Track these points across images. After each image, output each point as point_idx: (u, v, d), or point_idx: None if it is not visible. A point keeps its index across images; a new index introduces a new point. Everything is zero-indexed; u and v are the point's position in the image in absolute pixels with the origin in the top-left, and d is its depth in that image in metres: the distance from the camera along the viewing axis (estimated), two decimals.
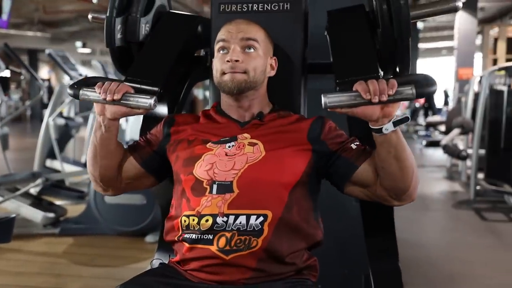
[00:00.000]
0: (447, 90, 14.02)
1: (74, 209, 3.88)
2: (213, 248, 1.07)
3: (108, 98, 1.10)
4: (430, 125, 9.61)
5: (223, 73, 1.20)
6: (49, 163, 4.81)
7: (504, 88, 5.01)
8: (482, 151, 4.93)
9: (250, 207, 1.08)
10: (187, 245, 1.11)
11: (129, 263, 2.99)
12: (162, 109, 1.41)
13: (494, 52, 8.73)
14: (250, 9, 1.41)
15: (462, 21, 9.10)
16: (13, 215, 2.06)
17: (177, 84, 1.48)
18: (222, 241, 1.07)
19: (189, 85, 1.54)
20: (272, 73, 1.29)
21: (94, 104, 1.15)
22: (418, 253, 3.21)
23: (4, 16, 6.55)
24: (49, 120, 4.66)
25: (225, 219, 1.07)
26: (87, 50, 15.68)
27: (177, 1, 9.31)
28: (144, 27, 1.36)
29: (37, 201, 3.75)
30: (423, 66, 19.03)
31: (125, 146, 1.27)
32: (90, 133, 5.42)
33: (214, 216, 1.08)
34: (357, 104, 1.00)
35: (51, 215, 3.60)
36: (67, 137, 5.14)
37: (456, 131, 5.33)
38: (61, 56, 5.06)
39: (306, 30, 1.42)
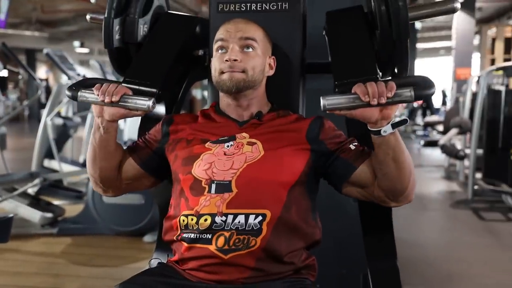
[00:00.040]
0: (445, 90, 14.05)
1: (72, 209, 3.87)
2: (212, 247, 1.07)
3: (107, 100, 1.10)
4: (428, 125, 9.63)
5: (222, 72, 1.20)
6: (47, 163, 4.80)
7: (502, 88, 5.02)
8: (480, 151, 4.94)
9: (248, 207, 1.08)
10: (185, 244, 1.11)
11: (127, 263, 2.99)
12: (160, 109, 1.41)
13: (492, 52, 8.75)
14: (248, 9, 1.41)
15: (460, 21, 9.12)
16: (11, 215, 2.05)
17: (175, 84, 1.48)
18: (221, 241, 1.07)
19: (188, 85, 1.54)
20: (271, 72, 1.29)
21: (93, 105, 1.15)
22: (416, 253, 3.22)
23: (2, 16, 6.55)
24: (47, 120, 4.65)
25: (223, 218, 1.07)
26: (85, 50, 15.66)
27: (175, 1, 9.31)
28: (142, 28, 1.36)
29: (35, 201, 3.74)
30: (421, 66, 19.06)
31: (123, 146, 1.27)
32: (88, 133, 5.42)
33: (212, 215, 1.08)
34: (356, 107, 1.00)
35: (49, 215, 3.60)
36: (65, 137, 5.13)
37: (454, 131, 5.34)
38: (59, 56, 5.06)
39: (305, 29, 1.42)
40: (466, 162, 5.57)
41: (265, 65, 1.26)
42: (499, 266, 3.07)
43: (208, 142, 1.19)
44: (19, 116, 15.23)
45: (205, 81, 1.49)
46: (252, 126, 1.22)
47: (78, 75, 5.08)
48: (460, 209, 4.52)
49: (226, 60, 1.19)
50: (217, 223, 1.07)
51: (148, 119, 1.36)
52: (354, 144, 1.17)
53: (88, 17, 1.44)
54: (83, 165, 5.06)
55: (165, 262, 1.21)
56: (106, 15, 1.29)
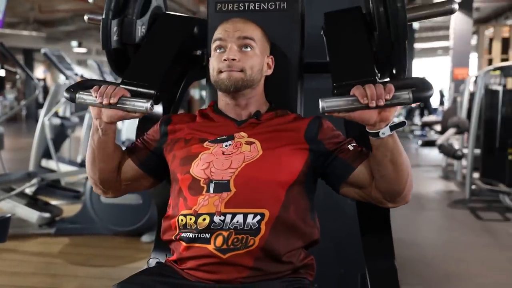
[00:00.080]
0: (442, 90, 14.08)
1: (69, 209, 3.87)
2: (210, 247, 1.07)
3: (105, 102, 1.10)
4: (425, 125, 9.65)
5: (220, 72, 1.20)
6: (44, 163, 4.80)
7: (499, 88, 5.03)
8: (478, 151, 4.95)
9: (247, 206, 1.08)
10: (184, 244, 1.11)
11: (125, 263, 2.98)
12: (158, 109, 1.41)
13: (489, 52, 8.76)
14: (246, 8, 1.41)
15: (458, 21, 9.15)
16: (9, 215, 2.04)
17: (173, 84, 1.48)
18: (219, 240, 1.07)
19: (186, 85, 1.54)
20: (269, 72, 1.29)
21: (91, 107, 1.15)
22: (413, 253, 3.23)
23: None
24: (45, 119, 4.65)
25: (222, 218, 1.07)
26: (83, 50, 15.64)
27: (173, 1, 9.30)
28: (140, 29, 1.36)
29: (32, 201, 3.74)
30: (418, 66, 19.10)
31: (118, 144, 1.27)
32: (85, 132, 5.41)
33: (211, 215, 1.08)
34: (354, 109, 1.00)
35: (47, 215, 3.59)
36: (62, 136, 5.13)
37: (451, 130, 5.35)
38: (57, 56, 5.05)
39: (303, 29, 1.42)
40: (464, 162, 5.57)
41: (263, 64, 1.26)
42: (497, 265, 3.07)
43: (207, 142, 1.19)
44: (17, 116, 15.20)
45: (203, 81, 1.49)
46: (251, 125, 1.22)
47: (76, 75, 5.08)
48: (457, 209, 4.53)
49: (225, 60, 1.19)
50: (215, 222, 1.07)
51: (146, 119, 1.36)
52: (352, 144, 1.17)
53: (86, 17, 1.44)
54: (81, 165, 5.06)
55: (163, 261, 1.21)
56: (104, 16, 1.29)
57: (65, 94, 1.17)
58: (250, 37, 1.22)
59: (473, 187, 4.72)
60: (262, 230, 1.07)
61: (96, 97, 1.11)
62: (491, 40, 8.75)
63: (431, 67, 20.30)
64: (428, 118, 10.32)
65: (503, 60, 8.19)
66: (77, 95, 1.14)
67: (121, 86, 1.18)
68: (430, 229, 4.06)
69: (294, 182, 1.14)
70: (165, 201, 1.26)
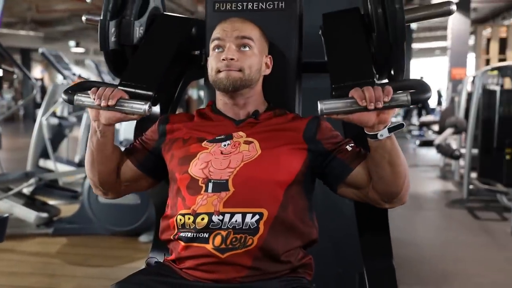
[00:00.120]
0: (440, 90, 14.10)
1: (67, 209, 3.86)
2: (209, 246, 1.07)
3: (103, 104, 1.10)
4: (423, 125, 9.66)
5: (219, 71, 1.20)
6: (42, 162, 4.79)
7: (497, 88, 5.04)
8: (475, 151, 4.96)
9: (245, 206, 1.08)
10: (182, 243, 1.11)
11: (123, 263, 2.98)
12: (156, 109, 1.41)
13: (487, 52, 8.77)
14: (244, 8, 1.41)
15: (455, 21, 9.16)
16: (6, 215, 2.04)
17: (171, 84, 1.48)
18: (218, 240, 1.07)
19: (184, 85, 1.54)
20: (267, 71, 1.30)
21: (89, 109, 1.15)
22: (411, 252, 3.23)
23: None
24: (42, 119, 4.64)
25: (220, 217, 1.07)
26: (80, 50, 15.61)
27: (171, 1, 9.28)
28: (138, 30, 1.36)
29: (30, 201, 3.73)
30: (416, 66, 19.12)
31: (117, 145, 1.27)
32: (83, 132, 5.40)
33: (209, 214, 1.08)
34: (353, 111, 1.01)
35: (45, 215, 3.58)
36: (60, 136, 5.12)
37: (449, 130, 5.36)
38: (55, 55, 5.04)
39: (301, 29, 1.42)
40: (461, 162, 5.59)
41: (261, 64, 1.26)
42: (495, 265, 3.08)
43: (205, 141, 1.19)
44: (14, 116, 15.17)
45: (201, 81, 1.48)
46: (249, 125, 1.22)
47: (74, 74, 5.07)
48: (455, 209, 4.54)
49: (223, 59, 1.19)
50: (214, 222, 1.07)
51: (144, 119, 1.35)
52: (350, 145, 1.18)
53: (84, 18, 1.44)
54: (79, 165, 5.05)
55: (161, 261, 1.21)
56: (101, 17, 1.29)
57: (63, 96, 1.17)
58: (249, 36, 1.22)
59: (471, 187, 4.73)
60: (260, 229, 1.07)
61: (94, 99, 1.11)
62: (488, 40, 8.77)
63: (429, 67, 20.34)
64: (426, 118, 10.33)
65: (500, 60, 8.21)
66: (75, 97, 1.14)
67: (119, 87, 1.18)
68: (428, 228, 4.07)
69: (293, 181, 1.14)
70: (163, 200, 1.26)
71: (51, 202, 4.04)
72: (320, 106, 1.01)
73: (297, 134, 1.19)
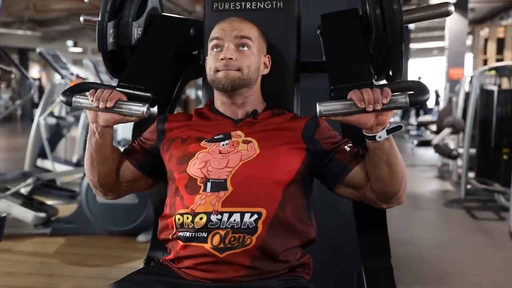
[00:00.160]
0: (438, 90, 14.12)
1: (65, 209, 3.86)
2: (207, 246, 1.07)
3: (101, 106, 1.10)
4: (421, 125, 9.67)
5: (217, 71, 1.20)
6: (40, 162, 4.78)
7: (494, 88, 5.06)
8: (473, 151, 4.97)
9: (244, 205, 1.09)
10: (181, 243, 1.11)
11: (121, 263, 2.98)
12: (154, 109, 1.40)
13: (485, 52, 8.79)
14: (243, 7, 1.41)
15: (453, 21, 9.17)
16: (4, 215, 2.03)
17: (169, 84, 1.48)
18: (216, 239, 1.07)
19: (182, 84, 1.54)
20: (266, 71, 1.30)
21: (87, 111, 1.15)
22: (409, 252, 3.23)
23: None
24: (40, 119, 4.63)
25: (219, 217, 1.07)
26: (78, 49, 15.58)
27: (169, 1, 9.28)
28: (136, 31, 1.36)
29: (28, 201, 3.72)
30: (414, 66, 19.14)
31: (115, 145, 1.27)
32: (81, 132, 5.39)
33: (208, 214, 1.08)
34: (351, 113, 1.01)
35: (42, 215, 3.58)
36: (58, 136, 5.11)
37: (447, 130, 5.37)
38: (52, 55, 5.03)
39: (299, 28, 1.42)
40: (459, 162, 5.60)
41: (260, 63, 1.26)
42: (493, 264, 3.08)
43: (203, 141, 1.19)
44: (12, 115, 15.12)
45: (199, 81, 1.48)
46: (247, 124, 1.22)
47: (72, 74, 5.06)
48: (453, 208, 4.55)
49: (222, 59, 1.19)
50: (212, 221, 1.07)
51: (143, 120, 1.36)
52: (348, 145, 1.18)
53: (82, 19, 1.43)
54: (77, 164, 5.04)
55: (160, 261, 1.21)
56: (100, 18, 1.29)
57: (61, 98, 1.17)
58: (247, 36, 1.22)
59: (469, 186, 4.74)
60: (259, 229, 1.07)
61: (92, 101, 1.11)
62: (486, 40, 8.78)
63: (426, 68, 20.35)
64: (424, 118, 10.35)
65: (498, 60, 8.22)
66: (73, 99, 1.14)
67: (117, 89, 1.18)
68: (426, 228, 4.08)
69: (291, 181, 1.14)
70: (162, 200, 1.26)
71: (49, 202, 4.03)
72: (319, 108, 1.01)
73: (295, 134, 1.19)
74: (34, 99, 11.05)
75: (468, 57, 10.00)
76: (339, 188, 1.18)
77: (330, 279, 2.07)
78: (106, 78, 5.51)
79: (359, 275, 1.33)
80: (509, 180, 3.81)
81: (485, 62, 8.52)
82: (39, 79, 17.19)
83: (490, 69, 5.19)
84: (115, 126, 1.19)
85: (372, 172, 1.10)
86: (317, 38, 1.34)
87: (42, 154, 4.74)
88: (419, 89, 1.03)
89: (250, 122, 1.23)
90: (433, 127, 7.95)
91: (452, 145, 5.91)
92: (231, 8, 1.41)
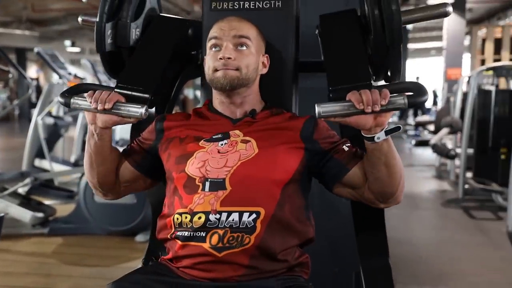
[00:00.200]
0: (436, 90, 14.15)
1: (63, 209, 3.85)
2: (206, 245, 1.07)
3: (99, 107, 1.10)
4: (419, 125, 9.68)
5: (216, 70, 1.20)
6: (38, 162, 4.77)
7: (492, 88, 5.06)
8: (471, 150, 4.98)
9: (242, 204, 1.09)
10: (179, 242, 1.11)
11: (119, 263, 2.97)
12: (152, 109, 1.40)
13: (482, 52, 8.80)
14: (241, 7, 1.41)
15: (451, 22, 9.19)
16: (1, 215, 2.03)
17: (168, 84, 1.48)
18: (215, 238, 1.07)
19: (180, 84, 1.54)
20: (264, 70, 1.30)
21: (85, 112, 1.15)
22: (407, 251, 3.24)
23: None
24: (38, 119, 4.62)
25: (217, 216, 1.07)
26: (76, 49, 15.56)
27: (167, 1, 9.27)
28: (135, 32, 1.36)
29: (25, 201, 3.71)
30: (412, 66, 19.17)
31: (113, 145, 1.27)
32: (79, 132, 5.39)
33: (206, 213, 1.08)
34: (350, 114, 1.01)
35: (40, 214, 3.57)
36: (56, 136, 5.10)
37: (445, 130, 5.38)
38: (50, 55, 5.02)
39: (298, 28, 1.43)
40: (457, 162, 5.60)
41: (258, 63, 1.26)
42: (490, 264, 3.09)
43: (202, 140, 1.19)
44: (9, 115, 15.10)
45: (198, 81, 1.48)
46: (246, 123, 1.23)
47: (70, 74, 5.05)
48: (451, 208, 4.55)
49: (220, 58, 1.19)
50: (211, 221, 1.07)
51: (141, 120, 1.36)
52: (347, 145, 1.18)
53: (80, 19, 1.43)
54: (74, 164, 5.03)
55: (158, 260, 1.21)
56: (98, 19, 1.29)
57: (60, 99, 1.17)
58: (246, 35, 1.22)
59: (466, 186, 4.75)
60: (257, 228, 1.07)
61: (90, 102, 1.11)
62: (483, 40, 8.80)
63: (424, 68, 20.39)
64: (422, 118, 10.36)
65: (495, 60, 8.23)
66: (72, 100, 1.14)
67: (115, 90, 1.18)
68: (423, 228, 4.08)
69: (290, 180, 1.14)
70: (160, 200, 1.26)
71: (47, 202, 4.02)
72: (317, 109, 1.01)
73: (294, 133, 1.19)
74: (32, 99, 11.04)
75: (466, 57, 10.02)
76: (337, 188, 1.18)
77: (329, 278, 2.07)
78: (104, 78, 5.50)
79: (357, 274, 1.33)
80: (506, 180, 3.81)
81: (482, 62, 8.54)
82: (37, 79, 17.15)
83: (488, 69, 5.20)
84: (113, 127, 1.19)
85: (371, 172, 1.10)
86: (315, 37, 1.34)
87: (40, 154, 4.73)
88: (418, 90, 1.03)
89: (248, 121, 1.23)
90: (431, 127, 7.97)
91: (450, 145, 5.92)
92: (230, 7, 1.41)
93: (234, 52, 1.20)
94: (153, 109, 1.40)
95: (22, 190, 3.97)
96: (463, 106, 5.26)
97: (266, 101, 1.31)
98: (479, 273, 2.92)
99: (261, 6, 1.40)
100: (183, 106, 13.88)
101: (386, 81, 1.26)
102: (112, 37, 1.31)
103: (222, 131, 1.20)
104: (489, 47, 8.62)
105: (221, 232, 1.07)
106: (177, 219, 1.12)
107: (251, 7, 1.40)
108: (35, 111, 4.75)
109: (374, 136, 1.03)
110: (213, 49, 1.23)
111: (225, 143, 1.17)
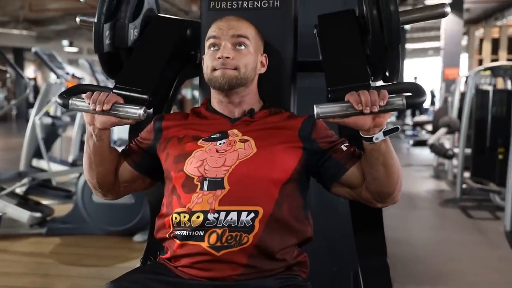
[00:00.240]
0: (433, 90, 14.16)
1: (61, 209, 3.84)
2: (204, 244, 1.07)
3: (98, 108, 1.10)
4: (417, 125, 9.69)
5: (214, 69, 1.20)
6: (35, 162, 4.76)
7: (490, 88, 5.07)
8: (468, 150, 4.99)
9: (241, 204, 1.09)
10: (178, 241, 1.11)
11: (117, 263, 2.97)
12: (151, 110, 1.40)
13: (480, 52, 8.83)
14: (240, 6, 1.41)
15: (448, 22, 9.20)
16: None
17: (166, 84, 1.48)
18: (213, 238, 1.07)
19: (178, 83, 1.54)
20: (263, 70, 1.30)
21: (84, 113, 1.15)
22: (405, 251, 3.24)
23: None
24: (36, 119, 4.61)
25: (216, 215, 1.08)
26: (74, 49, 15.53)
27: (165, 0, 9.25)
28: (133, 33, 1.36)
29: (23, 201, 3.71)
30: (410, 66, 19.19)
31: (112, 145, 1.27)
32: (77, 132, 5.37)
33: (205, 212, 1.08)
34: (348, 115, 1.01)
35: (38, 214, 3.56)
36: (53, 136, 5.09)
37: (442, 130, 5.38)
38: (48, 55, 5.01)
39: (296, 28, 1.43)
40: (455, 161, 5.61)
41: (257, 62, 1.26)
42: (488, 264, 3.10)
43: (200, 140, 1.19)
44: (7, 115, 15.07)
45: (196, 81, 1.48)
46: (244, 123, 1.23)
47: (67, 74, 5.04)
48: (449, 208, 4.56)
49: (219, 58, 1.19)
50: (209, 220, 1.07)
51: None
52: (345, 145, 1.18)
53: (78, 20, 1.43)
54: (72, 164, 5.02)
55: (156, 259, 1.21)
56: (96, 20, 1.29)
57: (58, 100, 1.17)
58: (244, 35, 1.22)
59: (464, 186, 4.76)
60: (256, 227, 1.07)
61: (89, 103, 1.11)
62: (481, 40, 8.83)
63: (422, 68, 20.42)
64: (420, 118, 10.37)
65: (493, 60, 8.26)
66: (70, 101, 1.14)
67: (114, 91, 1.18)
68: (421, 228, 4.09)
69: (288, 180, 1.14)
70: (158, 199, 1.26)
71: (45, 202, 4.01)
72: (316, 110, 1.02)
73: (292, 133, 1.20)
74: (30, 99, 11.00)
75: (464, 57, 10.04)
76: (335, 187, 1.19)
77: (327, 278, 2.07)
78: (102, 78, 5.49)
79: (355, 274, 1.34)
80: (504, 179, 3.82)
81: (480, 62, 8.56)
82: (35, 79, 17.11)
83: (485, 69, 5.20)
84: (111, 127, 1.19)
85: (369, 172, 1.11)
86: (313, 37, 1.34)
87: (38, 154, 4.72)
88: (416, 90, 1.03)
89: (247, 121, 1.23)
90: (429, 127, 7.97)
91: (447, 145, 5.93)
92: (228, 7, 1.41)
93: (233, 51, 1.20)
94: (151, 110, 1.41)
95: (19, 190, 3.95)
96: (461, 106, 5.26)
97: (265, 101, 1.31)
98: (477, 272, 2.92)
99: (259, 5, 1.40)
100: (181, 106, 13.88)
101: (384, 81, 1.26)
102: (110, 37, 1.31)
103: (221, 130, 1.21)
104: (487, 47, 8.64)
105: (219, 231, 1.07)
106: (176, 218, 1.12)
107: (250, 6, 1.40)
108: (32, 111, 4.74)
109: (372, 137, 1.04)
110: (212, 48, 1.23)
111: (224, 142, 1.17)
